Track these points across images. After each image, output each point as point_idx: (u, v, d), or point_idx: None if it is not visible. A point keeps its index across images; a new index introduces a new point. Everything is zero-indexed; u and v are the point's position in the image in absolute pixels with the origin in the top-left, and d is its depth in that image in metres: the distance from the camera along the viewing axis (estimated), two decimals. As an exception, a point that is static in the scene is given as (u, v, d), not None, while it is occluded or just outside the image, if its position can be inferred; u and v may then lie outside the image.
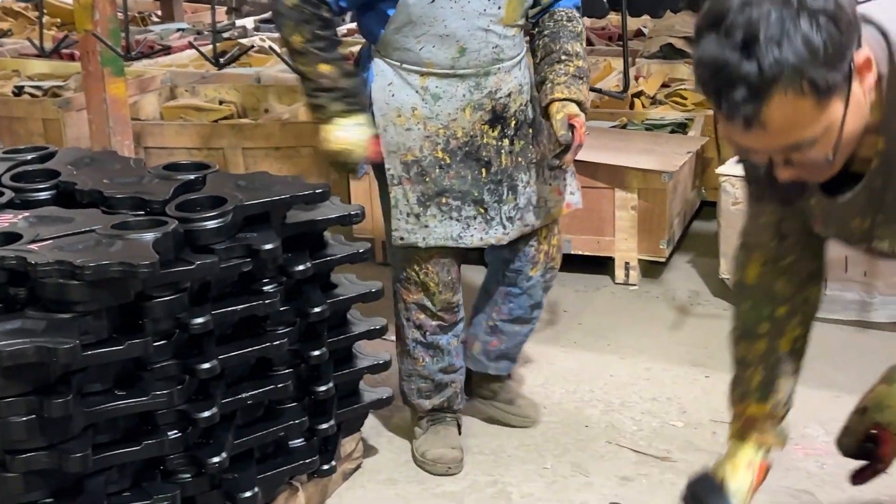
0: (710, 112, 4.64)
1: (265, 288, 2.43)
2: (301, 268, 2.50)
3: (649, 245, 4.06)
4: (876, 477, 1.97)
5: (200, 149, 4.60)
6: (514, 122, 2.69)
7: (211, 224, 2.32)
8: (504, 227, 2.73)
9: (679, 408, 3.16)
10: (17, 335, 2.05)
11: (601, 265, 4.13)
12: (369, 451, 2.95)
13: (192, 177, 2.54)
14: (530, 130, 2.74)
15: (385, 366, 2.81)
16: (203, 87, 5.30)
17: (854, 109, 1.45)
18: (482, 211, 2.69)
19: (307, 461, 2.58)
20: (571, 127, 2.57)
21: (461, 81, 2.59)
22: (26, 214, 2.35)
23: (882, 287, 3.60)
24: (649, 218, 4.01)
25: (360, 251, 2.69)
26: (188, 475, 2.33)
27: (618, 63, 5.15)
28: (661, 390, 3.25)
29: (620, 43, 5.55)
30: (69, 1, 6.55)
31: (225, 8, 8.17)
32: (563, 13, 2.70)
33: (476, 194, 2.68)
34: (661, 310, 3.86)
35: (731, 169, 3.67)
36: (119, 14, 3.95)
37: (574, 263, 4.04)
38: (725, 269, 3.79)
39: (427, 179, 2.64)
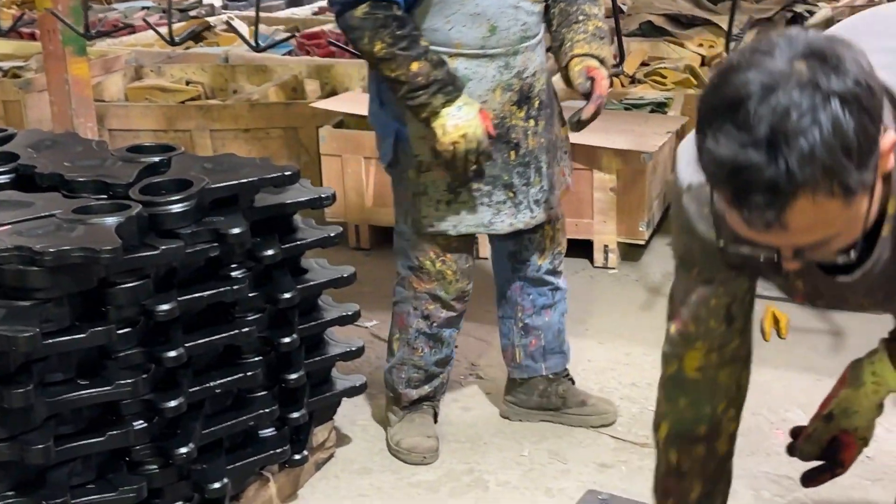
0: (691, 91, 4.68)
1: (233, 273, 2.42)
2: (270, 252, 2.48)
3: (628, 227, 4.07)
4: (830, 480, 1.90)
5: (166, 131, 4.57)
6: (537, 103, 2.69)
7: (176, 208, 2.30)
8: (532, 211, 2.73)
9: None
10: (-25, 323, 2.03)
11: (579, 248, 4.13)
12: (342, 440, 2.94)
13: (156, 159, 2.53)
14: (548, 110, 2.75)
15: (358, 352, 2.80)
16: (169, 68, 5.26)
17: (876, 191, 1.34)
18: (511, 195, 2.68)
19: (278, 451, 2.58)
20: (591, 80, 2.56)
21: (490, 62, 2.58)
22: (-16, 199, 2.33)
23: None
24: (628, 200, 4.02)
25: (332, 235, 2.68)
26: (155, 466, 2.33)
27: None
28: (640, 375, 3.26)
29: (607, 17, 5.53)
30: (29, -22, 6.47)
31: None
32: None
33: (506, 178, 2.67)
34: (641, 293, 3.88)
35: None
36: (80, -9, 3.91)
37: (552, 247, 4.04)
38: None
39: (458, 165, 2.59)
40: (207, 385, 2.40)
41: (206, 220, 2.36)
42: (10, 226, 2.18)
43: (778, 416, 2.98)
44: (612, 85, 2.72)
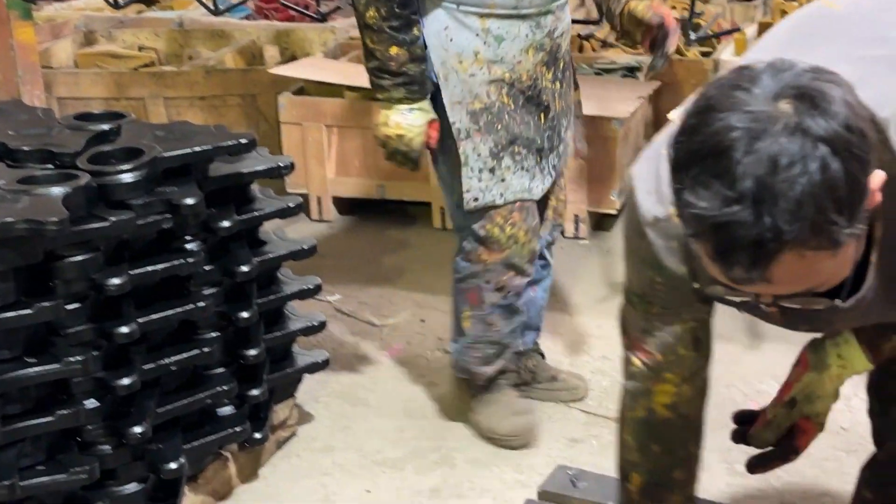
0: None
1: (187, 246, 2.40)
2: (226, 224, 2.46)
3: (600, 196, 4.06)
4: (781, 466, 1.85)
5: (118, 98, 4.51)
6: (562, 64, 2.68)
7: (126, 177, 2.27)
8: (551, 176, 2.71)
9: (631, 366, 3.18)
10: (-85, 300, 2.00)
11: (549, 218, 4.14)
12: (304, 417, 2.93)
13: (105, 127, 2.49)
14: (568, 72, 2.73)
15: (320, 327, 2.79)
16: (121, 33, 5.19)
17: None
18: (538, 160, 2.66)
19: (237, 430, 2.56)
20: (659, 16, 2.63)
21: (522, 22, 2.55)
22: (-77, 169, 2.29)
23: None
24: (599, 168, 4.01)
25: (291, 206, 2.67)
26: (107, 447, 2.31)
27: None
28: (611, 348, 3.25)
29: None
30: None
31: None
32: None
33: (539, 142, 2.64)
34: (613, 265, 3.88)
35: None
36: (24, -49, 3.83)
37: (521, 217, 4.03)
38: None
39: (499, 127, 2.57)
40: (162, 362, 2.38)
41: (158, 191, 2.32)
42: (-50, 197, 2.15)
43: (751, 387, 3.00)
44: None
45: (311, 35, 5.02)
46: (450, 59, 2.53)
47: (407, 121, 2.53)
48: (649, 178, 1.53)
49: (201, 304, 2.41)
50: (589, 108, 3.94)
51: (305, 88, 4.30)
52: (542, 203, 2.78)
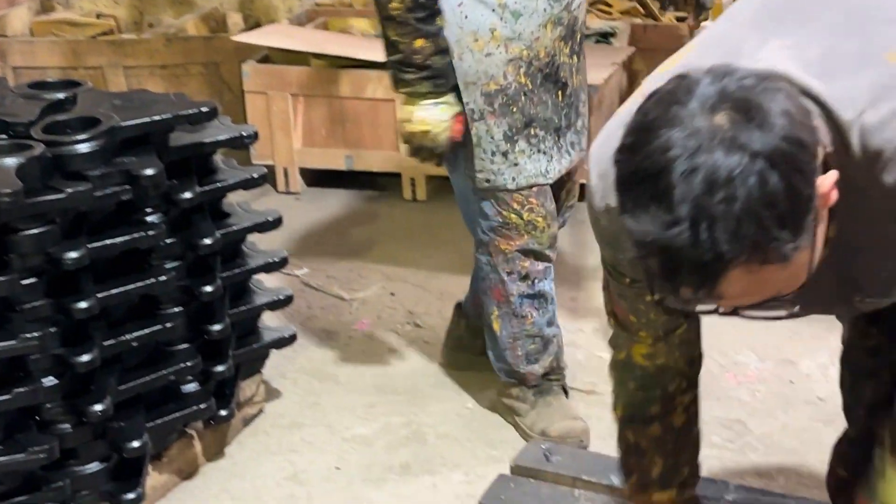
0: (638, 21, 4.67)
1: (148, 218, 2.38)
2: (188, 195, 2.44)
3: (573, 166, 4.06)
4: None
5: (76, 68, 4.47)
6: (578, 37, 2.62)
7: (83, 148, 2.25)
8: (570, 155, 2.67)
9: (605, 338, 3.18)
10: None
11: (522, 189, 4.13)
12: (271, 394, 2.93)
13: (60, 96, 2.47)
14: (582, 45, 2.68)
15: (286, 301, 2.78)
16: (79, 0, 5.13)
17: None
18: (557, 139, 2.62)
19: (202, 407, 2.55)
20: None
21: None
22: None
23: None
24: (573, 136, 4.00)
25: (255, 176, 2.64)
26: (67, 425, 2.30)
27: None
28: (586, 321, 3.28)
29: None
30: None
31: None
32: None
33: (557, 121, 2.60)
34: (587, 235, 3.85)
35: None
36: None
37: (493, 187, 4.02)
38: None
39: (514, 110, 2.52)
40: (123, 338, 2.36)
41: (116, 161, 2.30)
42: None
43: (728, 358, 3.01)
44: None
45: (276, 1, 4.98)
46: (465, 37, 2.47)
47: (432, 116, 2.48)
48: (603, 159, 1.50)
49: (163, 277, 2.39)
50: (562, 75, 3.95)
51: (270, 56, 4.26)
52: (558, 184, 2.73)
